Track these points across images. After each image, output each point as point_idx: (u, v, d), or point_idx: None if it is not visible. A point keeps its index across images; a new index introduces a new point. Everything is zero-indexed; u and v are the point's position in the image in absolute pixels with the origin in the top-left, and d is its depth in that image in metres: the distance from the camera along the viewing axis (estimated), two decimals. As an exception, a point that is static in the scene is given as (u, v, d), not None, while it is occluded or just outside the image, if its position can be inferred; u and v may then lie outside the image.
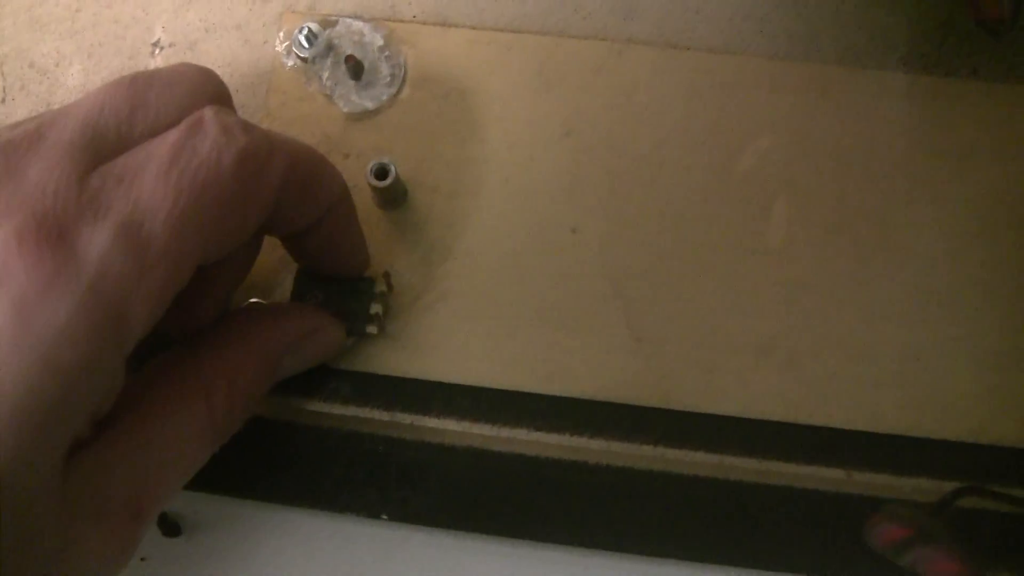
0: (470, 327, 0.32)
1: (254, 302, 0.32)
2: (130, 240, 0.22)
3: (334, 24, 0.34)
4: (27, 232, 0.21)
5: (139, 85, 0.25)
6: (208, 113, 0.25)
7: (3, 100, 0.35)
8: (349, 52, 0.33)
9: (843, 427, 0.31)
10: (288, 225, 0.28)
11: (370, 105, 0.33)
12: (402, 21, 0.34)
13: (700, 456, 0.31)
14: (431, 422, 0.31)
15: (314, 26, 0.33)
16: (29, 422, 0.20)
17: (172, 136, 0.24)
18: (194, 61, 0.34)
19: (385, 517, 0.31)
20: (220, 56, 0.35)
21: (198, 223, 0.23)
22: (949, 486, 0.30)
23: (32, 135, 0.23)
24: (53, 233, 0.21)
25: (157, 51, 0.35)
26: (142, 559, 0.32)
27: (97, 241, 0.21)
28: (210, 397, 0.26)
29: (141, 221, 0.22)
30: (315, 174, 0.27)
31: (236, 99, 0.34)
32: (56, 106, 0.35)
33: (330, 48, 0.34)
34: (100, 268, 0.21)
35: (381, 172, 0.31)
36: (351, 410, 0.31)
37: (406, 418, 0.31)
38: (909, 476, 0.31)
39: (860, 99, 0.33)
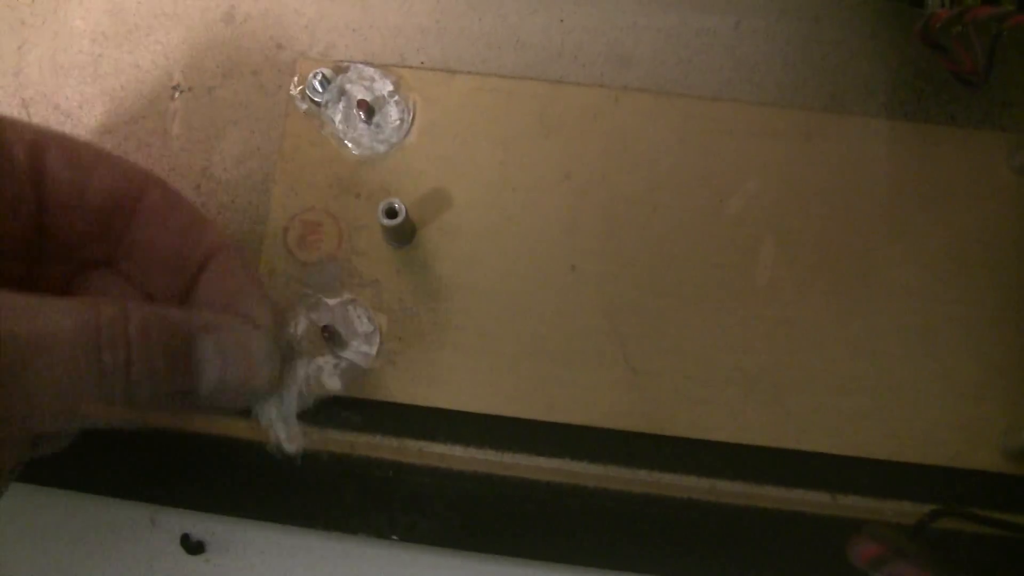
0: (475, 358, 0.33)
1: None
2: None
3: (345, 70, 0.36)
4: None
5: None
6: None
7: (30, 140, 0.37)
8: (360, 97, 0.35)
9: (828, 452, 0.32)
10: None
11: (380, 148, 0.35)
12: (410, 67, 0.36)
13: (692, 480, 0.33)
14: (438, 448, 0.33)
15: (328, 72, 0.35)
16: None
17: None
18: (211, 105, 0.36)
19: (395, 538, 0.32)
20: (236, 100, 0.36)
21: None
22: (928, 508, 0.31)
23: None
24: None
25: (177, 94, 0.37)
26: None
27: None
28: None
29: None
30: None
31: (252, 141, 0.36)
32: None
33: (342, 93, 0.35)
34: None
35: (391, 211, 0.32)
36: (362, 437, 0.33)
37: (414, 444, 0.33)
38: (890, 499, 0.32)
39: (843, 144, 0.35)
